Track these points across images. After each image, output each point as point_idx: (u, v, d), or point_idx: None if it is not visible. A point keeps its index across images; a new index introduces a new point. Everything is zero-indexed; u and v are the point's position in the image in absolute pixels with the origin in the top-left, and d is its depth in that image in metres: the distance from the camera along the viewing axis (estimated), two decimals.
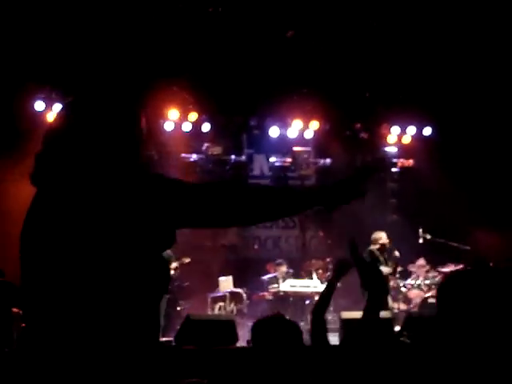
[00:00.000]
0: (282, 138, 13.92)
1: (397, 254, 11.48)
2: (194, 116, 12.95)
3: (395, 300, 11.61)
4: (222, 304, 11.64)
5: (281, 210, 2.38)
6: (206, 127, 13.24)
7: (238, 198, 2.30)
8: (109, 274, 2.17)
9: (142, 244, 2.21)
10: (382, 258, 11.14)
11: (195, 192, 2.29)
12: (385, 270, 11.17)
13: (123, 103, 2.45)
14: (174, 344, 8.37)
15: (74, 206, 2.22)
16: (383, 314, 9.69)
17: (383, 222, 13.48)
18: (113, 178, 2.27)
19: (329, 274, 12.66)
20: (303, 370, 3.28)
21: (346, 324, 9.24)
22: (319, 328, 3.53)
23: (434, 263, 12.36)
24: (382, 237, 11.23)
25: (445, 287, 2.15)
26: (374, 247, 11.20)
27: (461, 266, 11.78)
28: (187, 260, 11.45)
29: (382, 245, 11.22)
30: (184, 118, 12.93)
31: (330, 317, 11.77)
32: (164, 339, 8.97)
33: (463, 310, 1.98)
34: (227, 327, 8.36)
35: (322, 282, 12.18)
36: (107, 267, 2.17)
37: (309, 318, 11.38)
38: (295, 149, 14.13)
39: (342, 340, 3.48)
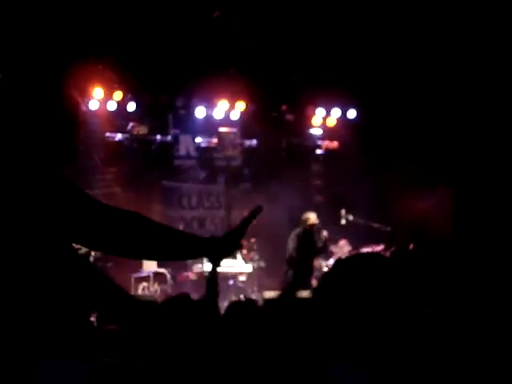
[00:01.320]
0: (209, 118, 13.87)
1: (325, 233, 11.68)
2: (118, 95, 12.74)
3: (318, 280, 11.78)
4: (145, 284, 11.58)
5: (168, 253, 2.43)
6: (131, 106, 13.06)
7: (133, 233, 2.30)
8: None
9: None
10: (309, 239, 11.38)
11: (96, 213, 2.26)
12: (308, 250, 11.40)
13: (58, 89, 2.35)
14: (95, 324, 8.29)
15: None
16: (305, 293, 9.86)
17: (308, 203, 13.63)
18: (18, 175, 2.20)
19: (253, 253, 12.77)
20: (210, 348, 3.29)
21: (268, 304, 9.32)
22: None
23: (356, 244, 12.58)
24: (310, 217, 11.41)
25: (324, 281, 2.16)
26: (302, 228, 11.39)
27: (381, 247, 12.08)
28: None
29: (311, 225, 11.42)
30: (109, 96, 12.72)
31: (253, 296, 11.89)
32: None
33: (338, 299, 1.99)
34: (149, 308, 8.32)
35: (246, 262, 12.27)
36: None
37: (232, 297, 11.48)
38: (221, 129, 14.10)
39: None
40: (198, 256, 2.52)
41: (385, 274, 1.94)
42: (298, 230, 11.55)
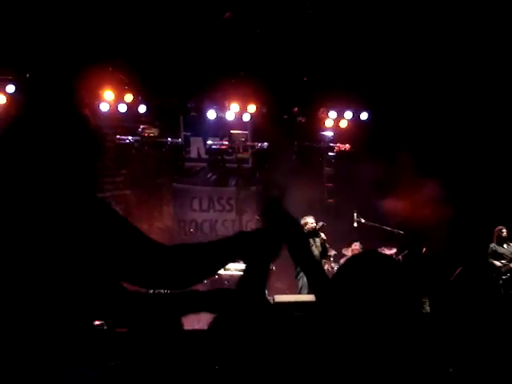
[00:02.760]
0: (220, 120, 13.82)
1: (322, 235, 11.61)
2: (129, 97, 12.73)
3: None
4: None
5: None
6: (141, 109, 13.04)
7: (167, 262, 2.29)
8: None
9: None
10: (312, 242, 11.34)
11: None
12: (314, 252, 11.35)
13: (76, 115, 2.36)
14: (105, 327, 8.22)
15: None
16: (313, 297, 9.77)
17: (319, 206, 13.56)
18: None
19: None
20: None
21: (279, 307, 9.25)
22: None
23: (368, 247, 12.47)
24: (308, 221, 11.39)
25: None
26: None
27: (394, 251, 12.00)
28: None
29: (310, 229, 11.38)
30: (120, 99, 12.70)
31: None
32: (96, 322, 8.82)
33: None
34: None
35: None
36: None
37: None
38: (232, 132, 14.04)
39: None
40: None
41: (390, 274, 1.93)
42: None
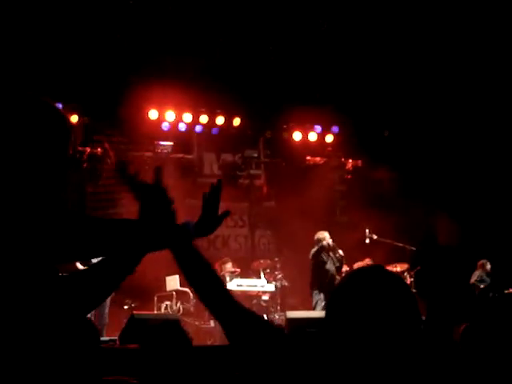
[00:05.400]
0: (233, 137, 13.86)
1: (340, 252, 11.62)
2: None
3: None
4: (168, 303, 11.54)
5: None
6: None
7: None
8: None
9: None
10: (325, 257, 11.35)
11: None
12: (330, 268, 11.36)
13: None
14: (117, 343, 8.26)
15: None
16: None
17: (332, 222, 13.55)
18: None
19: (276, 273, 12.69)
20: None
21: (292, 323, 9.26)
22: None
23: (380, 263, 12.42)
24: (325, 237, 11.40)
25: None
26: (317, 247, 11.38)
27: (406, 267, 11.98)
28: None
29: (327, 244, 11.41)
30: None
31: (277, 316, 11.80)
32: (108, 338, 8.86)
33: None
34: (172, 326, 8.27)
35: (269, 282, 12.18)
36: None
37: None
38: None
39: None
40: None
41: (387, 287, 1.94)
42: (313, 250, 11.55)
